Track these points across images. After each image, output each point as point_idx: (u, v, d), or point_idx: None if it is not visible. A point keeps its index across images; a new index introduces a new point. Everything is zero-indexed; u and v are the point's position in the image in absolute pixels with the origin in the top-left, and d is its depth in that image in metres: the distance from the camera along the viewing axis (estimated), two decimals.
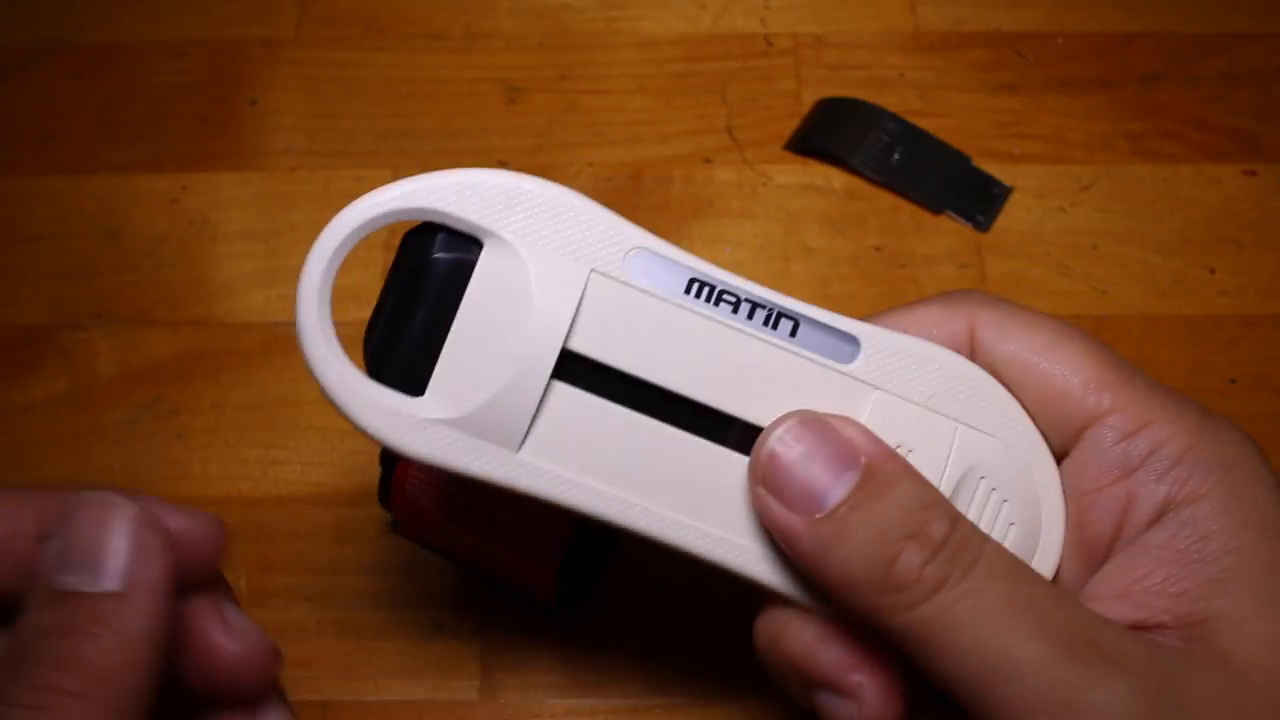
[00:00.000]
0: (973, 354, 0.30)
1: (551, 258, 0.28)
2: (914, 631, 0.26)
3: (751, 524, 0.29)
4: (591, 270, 0.29)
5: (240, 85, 0.49)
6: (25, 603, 0.26)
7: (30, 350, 0.44)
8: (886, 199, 0.47)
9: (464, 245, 0.29)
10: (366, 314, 0.45)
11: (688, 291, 0.29)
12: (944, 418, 0.29)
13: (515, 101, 0.49)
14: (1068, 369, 0.29)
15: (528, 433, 0.28)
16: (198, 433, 0.43)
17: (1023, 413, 0.30)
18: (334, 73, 0.49)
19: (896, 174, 0.47)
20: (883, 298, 0.45)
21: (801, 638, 0.29)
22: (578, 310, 0.28)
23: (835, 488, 0.27)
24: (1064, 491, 0.29)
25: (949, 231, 0.46)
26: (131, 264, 0.46)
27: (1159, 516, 0.28)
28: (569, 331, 0.28)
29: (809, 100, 0.48)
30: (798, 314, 0.29)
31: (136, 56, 0.50)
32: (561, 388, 0.29)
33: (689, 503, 0.29)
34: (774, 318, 0.29)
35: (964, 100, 0.48)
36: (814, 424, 0.28)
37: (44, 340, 0.44)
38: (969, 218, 0.46)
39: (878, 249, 0.46)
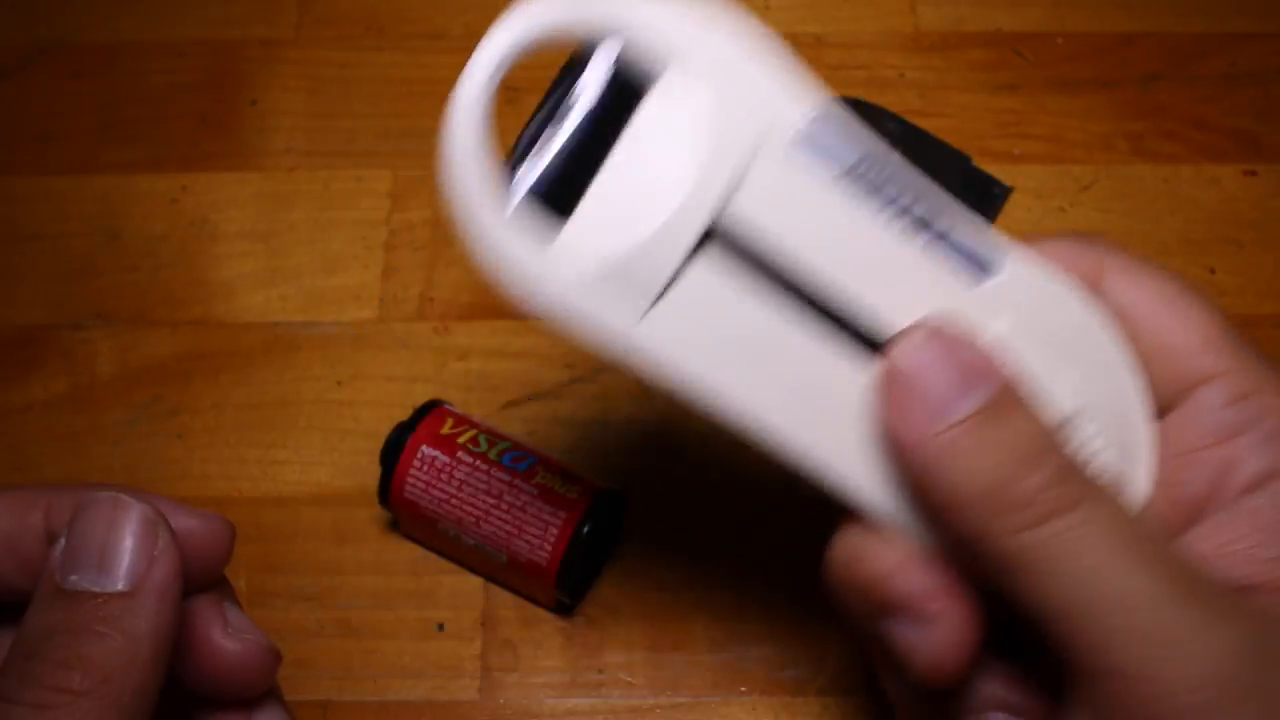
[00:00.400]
0: (1097, 292, 0.30)
1: (728, 109, 0.26)
2: (1026, 556, 0.25)
3: (859, 438, 0.28)
4: (765, 132, 0.26)
5: (240, 85, 0.49)
6: (32, 601, 0.26)
7: (30, 350, 0.44)
8: None
9: (637, 71, 0.26)
10: (366, 314, 0.45)
11: (852, 171, 0.27)
12: (1064, 357, 0.29)
13: (514, 102, 0.48)
14: (1188, 325, 0.29)
15: (652, 307, 0.26)
16: (198, 433, 0.43)
17: (1136, 369, 0.29)
18: (334, 73, 0.49)
19: None
20: None
21: (884, 560, 0.28)
22: (742, 175, 0.26)
23: (960, 403, 0.27)
24: (1159, 449, 0.29)
25: None
26: (131, 264, 0.46)
27: (1258, 484, 0.28)
28: (725, 198, 0.26)
29: None
30: (946, 224, 0.28)
31: (136, 56, 0.50)
32: (702, 263, 0.27)
33: (801, 408, 0.28)
34: (923, 220, 0.28)
35: (964, 100, 0.48)
36: (945, 338, 0.27)
37: (44, 340, 0.44)
38: None
39: None
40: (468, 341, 0.44)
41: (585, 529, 0.37)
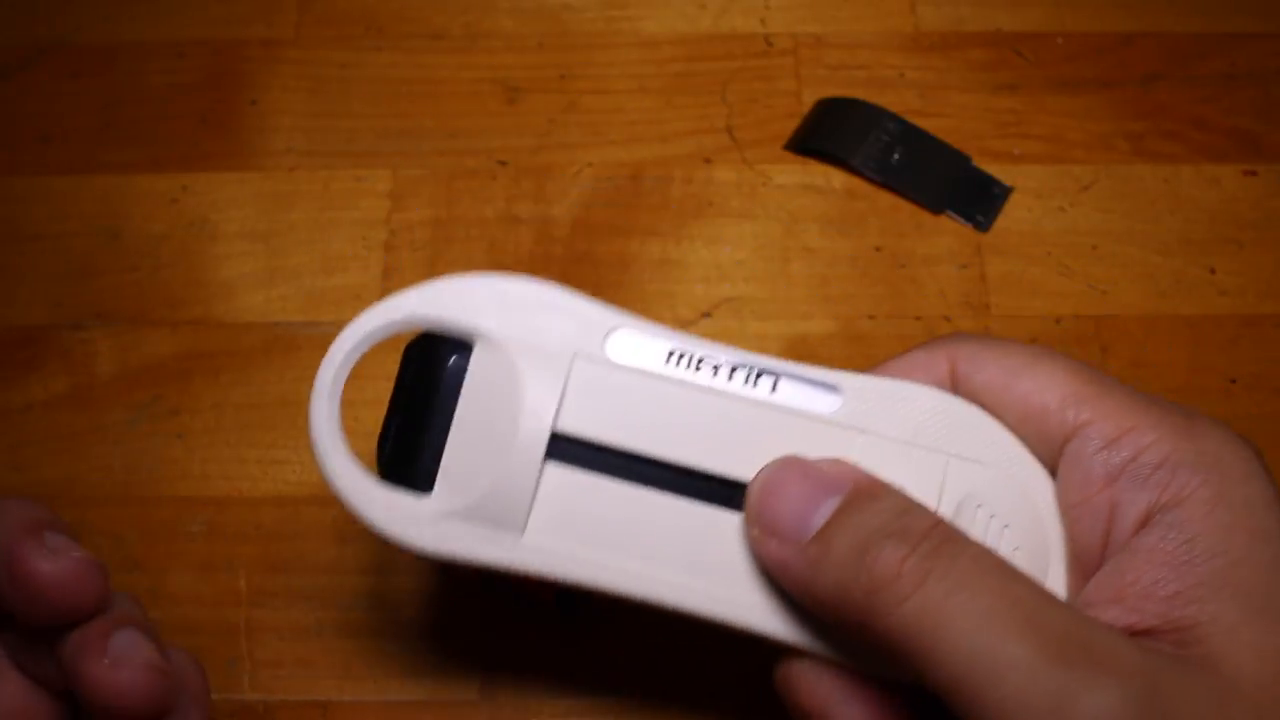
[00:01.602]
0: (955, 389, 0.30)
1: (536, 349, 0.30)
2: (903, 631, 0.25)
3: (756, 579, 0.29)
4: (575, 355, 0.30)
5: (240, 85, 0.49)
6: None
7: (30, 350, 0.44)
8: (886, 199, 0.47)
9: (458, 348, 0.30)
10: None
11: (668, 361, 0.30)
12: (932, 451, 0.30)
13: (515, 101, 0.49)
14: (1044, 386, 0.29)
15: (529, 515, 0.29)
16: (198, 432, 0.43)
17: (1011, 436, 0.30)
18: (334, 73, 0.49)
19: (896, 174, 0.47)
20: (883, 298, 0.45)
21: (818, 692, 0.29)
22: (564, 393, 0.29)
23: (820, 511, 0.27)
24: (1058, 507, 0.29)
25: (949, 231, 0.46)
26: (131, 264, 0.46)
27: (1147, 520, 0.28)
28: (557, 414, 0.29)
29: (809, 100, 0.48)
30: (776, 370, 0.30)
31: (136, 56, 0.50)
32: (556, 469, 0.30)
33: (692, 566, 0.29)
34: (754, 376, 0.30)
35: (964, 100, 0.48)
36: (797, 462, 0.29)
37: (44, 340, 0.44)
38: (969, 218, 0.46)
39: (878, 249, 0.46)
40: None
41: None
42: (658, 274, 0.45)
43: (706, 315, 0.44)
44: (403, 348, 0.31)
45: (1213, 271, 0.45)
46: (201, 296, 0.45)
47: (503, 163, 0.47)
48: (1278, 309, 0.44)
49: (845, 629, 0.27)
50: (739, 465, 0.29)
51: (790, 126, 0.48)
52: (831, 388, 0.30)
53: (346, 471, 0.30)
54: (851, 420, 0.30)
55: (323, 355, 0.44)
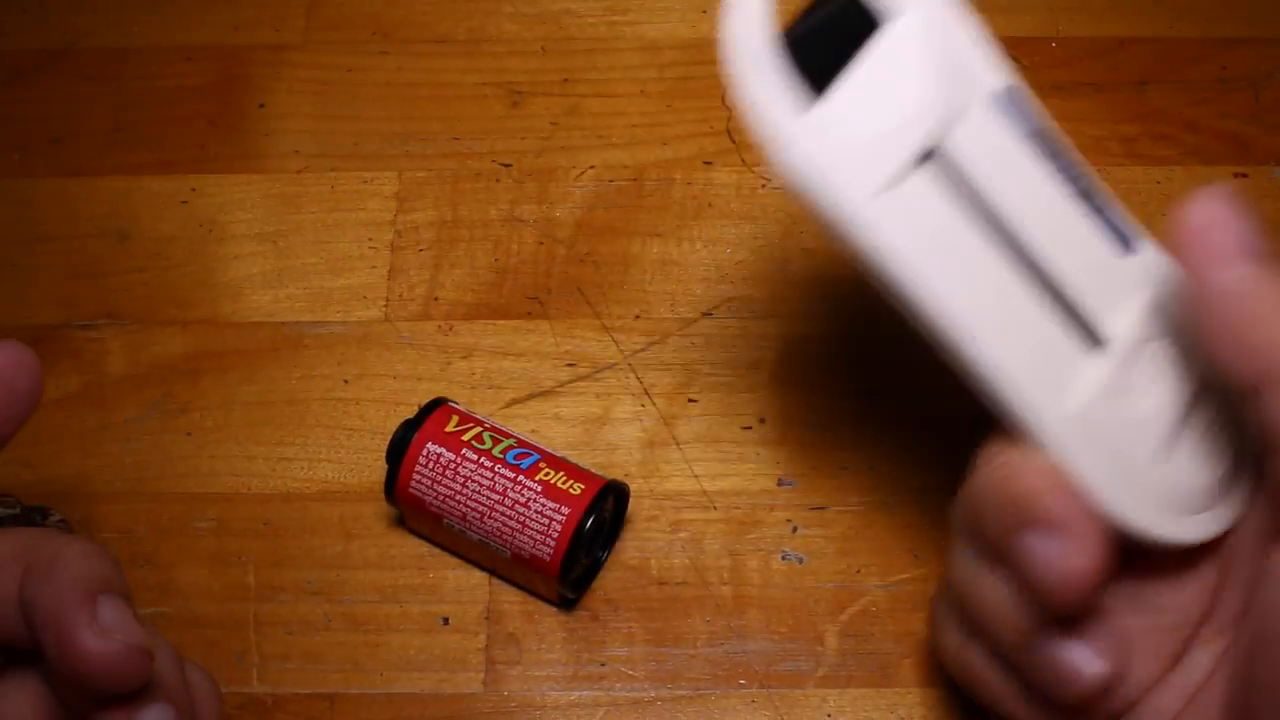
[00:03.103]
0: None
1: (953, 56, 0.31)
2: None
3: (1044, 360, 0.30)
4: (979, 83, 0.31)
5: (248, 89, 0.50)
6: None
7: (42, 349, 0.45)
8: None
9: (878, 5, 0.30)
10: (372, 313, 0.46)
11: (1034, 138, 0.31)
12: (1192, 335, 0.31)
13: (518, 105, 0.49)
14: None
15: (887, 187, 0.30)
16: (207, 430, 0.43)
17: None
18: (340, 76, 0.50)
19: None
20: (882, 298, 0.45)
21: (1039, 479, 0.29)
22: (961, 111, 0.30)
23: (1263, 255, 0.29)
24: None
25: None
26: (141, 264, 0.46)
27: None
28: (949, 126, 0.30)
29: None
30: (1104, 198, 0.32)
31: (146, 60, 0.50)
32: (923, 172, 0.30)
33: (995, 320, 0.30)
34: (1088, 192, 0.32)
35: None
36: (1235, 205, 0.29)
37: (55, 339, 0.45)
38: None
39: None
40: (472, 340, 0.45)
41: (587, 525, 0.38)
42: (659, 274, 0.46)
43: (707, 315, 0.45)
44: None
45: None
46: (210, 296, 0.46)
47: (506, 165, 0.48)
48: None
49: (1220, 354, 0.28)
50: (1056, 258, 0.31)
51: None
52: (1136, 237, 0.32)
53: (759, 54, 0.29)
54: (1145, 274, 0.32)
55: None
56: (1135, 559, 0.31)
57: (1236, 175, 0.47)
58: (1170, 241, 0.30)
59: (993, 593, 0.31)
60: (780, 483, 0.42)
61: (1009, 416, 0.30)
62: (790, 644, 0.39)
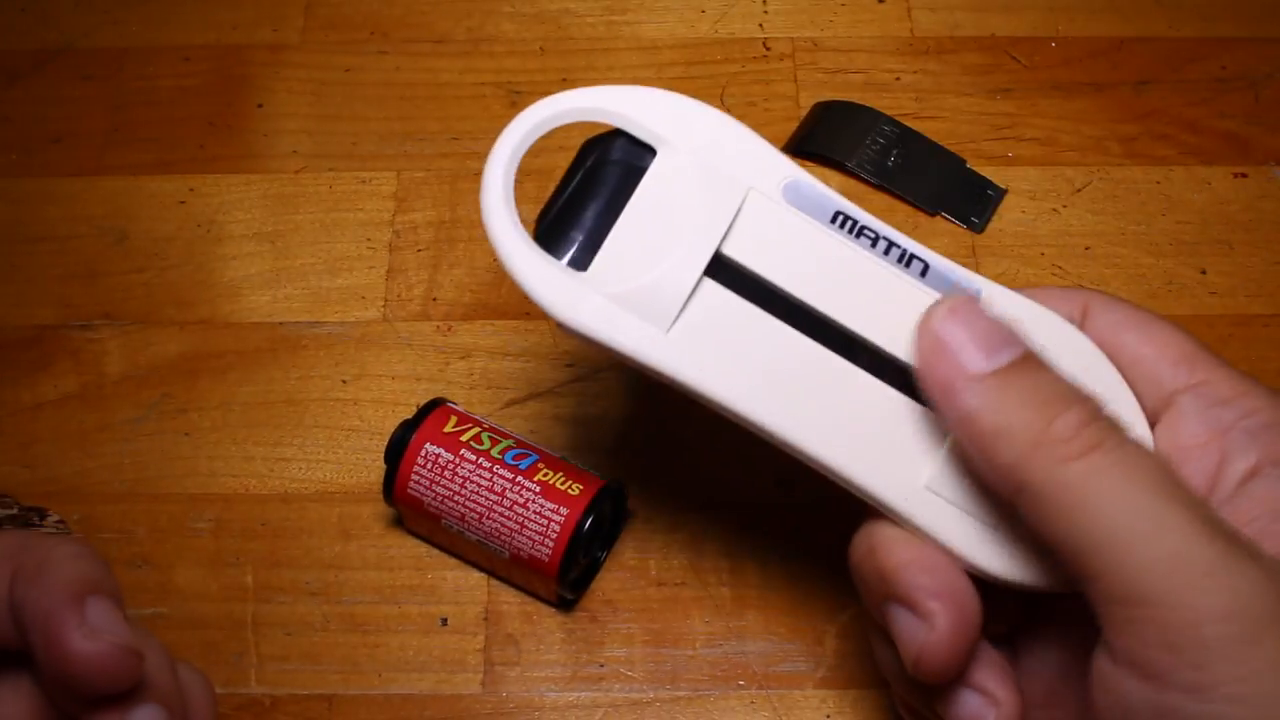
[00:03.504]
0: (1081, 329, 0.32)
1: (716, 172, 0.31)
2: (1060, 487, 0.27)
3: (879, 435, 0.30)
4: (750, 189, 0.31)
5: (247, 89, 0.50)
6: None
7: (40, 350, 0.45)
8: (883, 200, 0.47)
9: (637, 152, 0.32)
10: (370, 314, 0.46)
11: (833, 222, 0.31)
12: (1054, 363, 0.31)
13: (517, 104, 0.49)
14: (1166, 344, 0.31)
15: (679, 316, 0.31)
16: (205, 431, 0.43)
17: (1118, 374, 0.31)
18: (339, 77, 0.50)
19: (892, 176, 0.47)
20: None
21: (897, 555, 0.30)
22: (735, 218, 0.31)
23: (1003, 352, 0.28)
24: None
25: (944, 232, 0.47)
26: (139, 265, 0.46)
27: (1255, 473, 0.29)
28: (725, 235, 0.31)
29: (806, 103, 0.49)
30: (927, 259, 0.32)
31: (145, 60, 0.51)
32: (712, 285, 0.31)
33: (815, 410, 0.30)
34: (907, 258, 0.31)
35: (959, 103, 0.49)
36: (979, 304, 0.30)
37: (53, 340, 0.45)
38: (964, 219, 0.47)
39: None
40: (470, 341, 0.45)
41: (586, 525, 0.38)
42: None
43: None
44: (580, 144, 0.33)
45: (1203, 272, 0.46)
46: (208, 297, 0.46)
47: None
48: (1268, 309, 0.45)
49: (982, 472, 0.29)
50: (883, 333, 0.31)
51: (788, 129, 0.49)
52: (975, 290, 0.31)
53: (510, 238, 0.31)
54: None
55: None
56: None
57: (1235, 175, 0.47)
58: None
59: (884, 653, 0.32)
60: (779, 483, 0.42)
61: (862, 498, 0.31)
62: (789, 645, 0.39)
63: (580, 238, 0.31)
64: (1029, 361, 0.29)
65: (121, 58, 0.51)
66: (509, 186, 0.31)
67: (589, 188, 0.32)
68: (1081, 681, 0.28)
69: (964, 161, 0.48)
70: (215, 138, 0.49)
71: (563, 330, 0.31)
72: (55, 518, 0.41)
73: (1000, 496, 0.29)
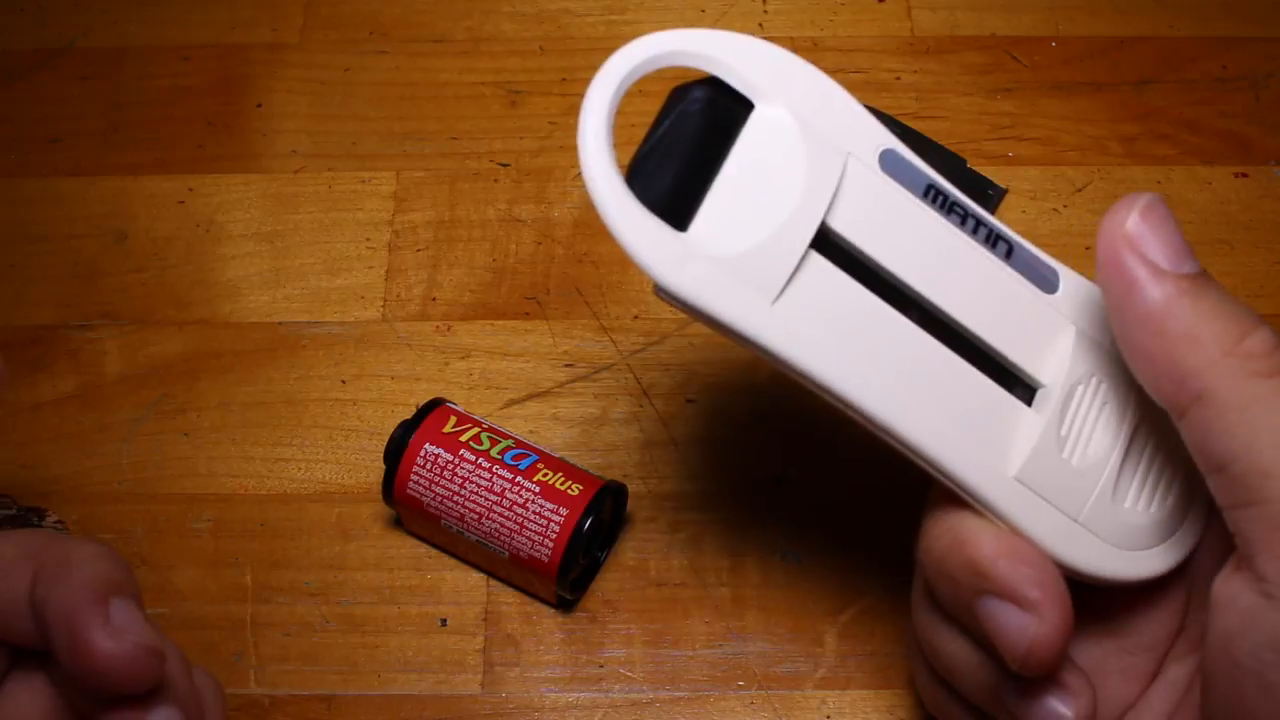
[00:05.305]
0: None
1: (817, 134, 0.29)
2: (1251, 399, 0.26)
3: (966, 424, 0.30)
4: (849, 154, 0.30)
5: (246, 89, 0.50)
6: None
7: (39, 350, 0.45)
8: None
9: (732, 104, 0.29)
10: (370, 314, 0.46)
11: (924, 196, 0.30)
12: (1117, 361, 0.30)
13: (517, 104, 0.49)
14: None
15: (785, 289, 0.29)
16: (204, 431, 0.43)
17: None
18: (338, 76, 0.50)
19: None
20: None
21: (990, 547, 0.29)
22: (838, 187, 0.29)
23: (1188, 262, 0.28)
24: None
25: None
26: (138, 265, 0.46)
27: None
28: (830, 206, 0.29)
29: None
30: (1011, 240, 0.31)
31: (144, 60, 0.50)
32: (818, 259, 0.29)
33: (913, 395, 0.30)
34: (993, 238, 0.31)
35: (960, 103, 0.49)
36: (1166, 207, 0.29)
37: (52, 340, 0.45)
38: None
39: None
40: (470, 341, 0.45)
41: (586, 526, 0.38)
42: None
43: None
44: (669, 90, 0.30)
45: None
46: (207, 297, 0.46)
47: (504, 165, 0.48)
48: (1269, 309, 0.45)
49: (1152, 376, 0.28)
50: (977, 317, 0.30)
51: None
52: (1053, 272, 0.31)
53: (612, 190, 0.28)
54: (1067, 309, 0.31)
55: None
56: (1101, 594, 0.31)
57: (1236, 175, 0.47)
58: (1096, 258, 0.29)
59: (956, 648, 0.31)
60: (779, 483, 0.42)
61: (950, 486, 0.30)
62: (789, 645, 0.39)
63: (678, 194, 0.29)
64: (1211, 279, 0.28)
65: (121, 57, 0.50)
66: (608, 133, 0.28)
67: (682, 139, 0.29)
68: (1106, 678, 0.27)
69: (964, 161, 0.48)
70: (214, 137, 0.49)
71: (659, 294, 0.29)
72: (54, 518, 0.41)
73: (1167, 402, 0.28)
